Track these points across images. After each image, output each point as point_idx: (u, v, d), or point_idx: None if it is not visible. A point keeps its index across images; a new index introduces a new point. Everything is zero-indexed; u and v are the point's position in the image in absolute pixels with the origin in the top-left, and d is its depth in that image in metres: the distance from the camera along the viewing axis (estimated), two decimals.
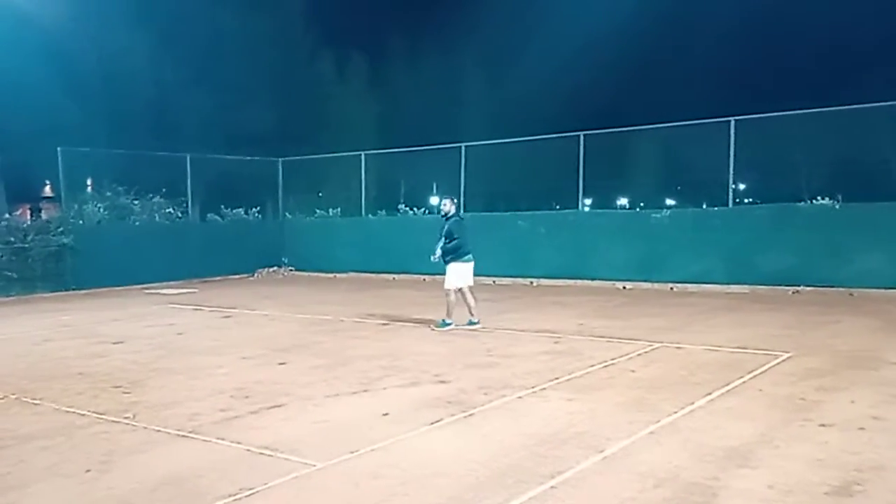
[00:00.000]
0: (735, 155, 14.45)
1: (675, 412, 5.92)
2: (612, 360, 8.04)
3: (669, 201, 21.46)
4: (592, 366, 7.74)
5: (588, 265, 15.93)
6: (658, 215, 15.97)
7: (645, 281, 15.19)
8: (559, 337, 9.55)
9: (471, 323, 10.33)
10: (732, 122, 14.48)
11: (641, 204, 21.68)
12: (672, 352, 8.51)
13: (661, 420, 5.71)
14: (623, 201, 24.34)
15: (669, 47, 33.09)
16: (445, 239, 10.33)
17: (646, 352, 8.50)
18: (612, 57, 31.11)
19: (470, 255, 10.40)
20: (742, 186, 17.87)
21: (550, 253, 16.46)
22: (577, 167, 16.14)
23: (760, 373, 7.31)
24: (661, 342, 9.02)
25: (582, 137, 16.02)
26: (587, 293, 14.62)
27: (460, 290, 10.35)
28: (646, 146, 18.44)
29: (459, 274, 10.32)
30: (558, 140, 16.51)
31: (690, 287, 14.62)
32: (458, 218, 10.58)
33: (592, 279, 15.76)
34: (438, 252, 10.38)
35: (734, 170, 14.62)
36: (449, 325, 10.24)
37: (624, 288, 15.22)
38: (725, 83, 31.07)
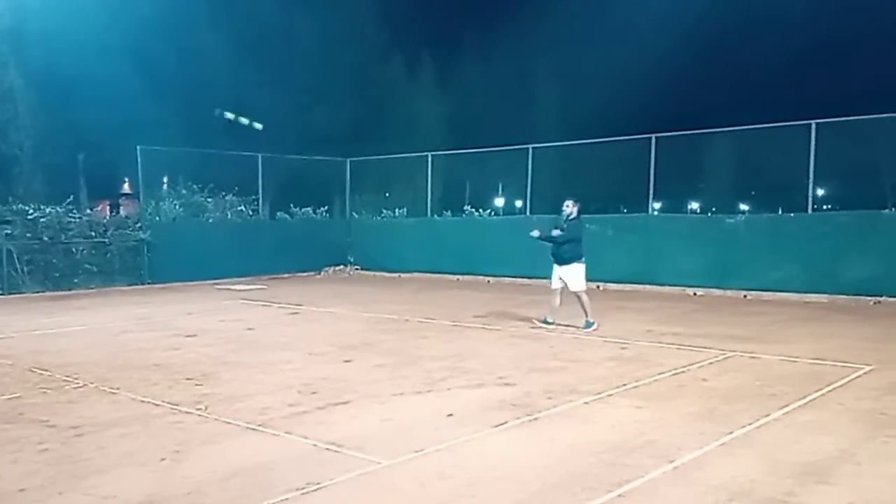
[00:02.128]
0: (815, 159, 13.91)
1: (750, 424, 5.72)
2: (683, 368, 7.83)
3: (743, 206, 20.88)
4: (662, 373, 7.55)
5: (657, 270, 15.58)
6: (732, 220, 15.50)
7: (717, 288, 14.76)
8: (627, 343, 9.36)
9: (547, 322, 10.62)
10: (814, 125, 13.93)
11: (714, 208, 21.12)
12: (746, 361, 8.23)
13: (735, 431, 5.53)
14: (695, 205, 23.79)
15: (746, 47, 32.21)
16: (566, 238, 10.40)
17: (718, 361, 8.25)
18: (685, 57, 30.47)
19: (584, 258, 10.51)
20: (821, 192, 17.20)
21: (618, 257, 16.14)
22: (647, 170, 15.80)
23: (840, 386, 7.01)
24: (735, 351, 8.74)
25: (654, 140, 15.68)
26: (656, 299, 14.31)
27: (559, 290, 10.51)
28: (720, 149, 17.97)
29: (582, 275, 10.38)
30: (628, 142, 16.21)
31: (765, 295, 14.13)
32: (578, 221, 10.64)
33: (661, 285, 15.41)
34: (537, 233, 10.56)
35: (814, 174, 14.07)
36: (592, 325, 10.28)
37: (695, 294, 14.84)
38: (805, 85, 30.04)
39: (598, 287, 16.13)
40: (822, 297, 13.59)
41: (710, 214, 18.67)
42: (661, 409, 6.16)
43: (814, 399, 6.50)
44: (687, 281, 15.14)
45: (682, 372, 7.64)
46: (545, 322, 10.64)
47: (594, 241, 16.53)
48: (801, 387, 6.91)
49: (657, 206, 17.09)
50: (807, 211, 14.38)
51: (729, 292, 14.59)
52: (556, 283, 10.54)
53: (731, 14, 30.76)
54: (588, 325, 10.27)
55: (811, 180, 14.14)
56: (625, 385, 7.02)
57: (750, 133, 15.25)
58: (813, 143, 13.87)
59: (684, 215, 19.17)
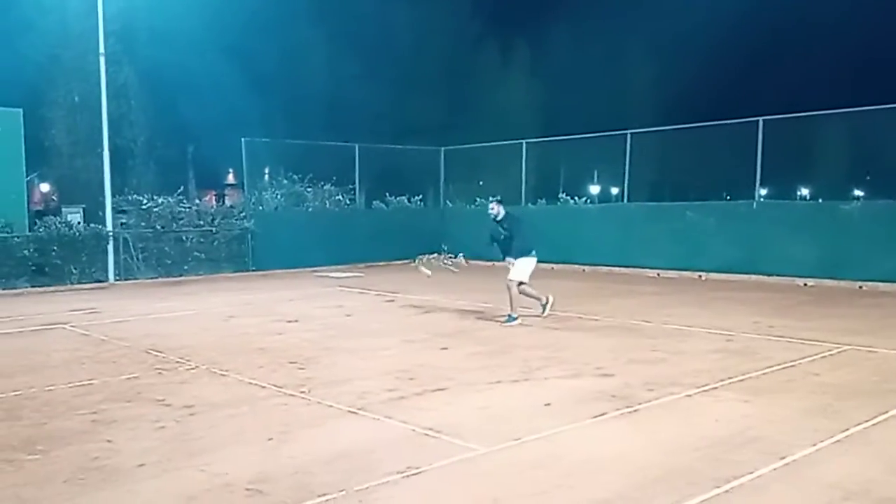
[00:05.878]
0: None
1: (867, 421, 5.41)
2: (793, 361, 7.47)
3: (858, 192, 19.70)
4: (770, 367, 7.23)
5: (763, 259, 14.89)
6: (846, 207, 14.63)
7: (829, 278, 13.98)
8: (732, 335, 9.01)
9: (544, 307, 10.45)
10: None
11: (825, 195, 20.04)
12: (862, 356, 7.78)
13: (850, 429, 5.23)
14: (804, 192, 22.66)
15: (860, 26, 30.33)
16: (506, 238, 10.24)
17: (831, 355, 7.83)
18: (792, 36, 28.94)
19: (534, 251, 10.33)
20: None
21: (721, 246, 15.54)
22: (754, 155, 15.09)
23: None
24: (850, 345, 8.27)
25: (761, 123, 14.96)
26: (762, 289, 13.71)
27: (521, 284, 10.22)
28: (832, 132, 16.97)
29: (524, 269, 10.21)
30: (732, 126, 15.54)
31: (882, 286, 13.27)
32: (513, 217, 10.49)
33: (768, 275, 14.72)
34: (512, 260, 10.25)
35: None
36: (515, 319, 9.97)
37: (805, 285, 14.12)
38: None
39: (699, 277, 15.65)
40: None
41: (821, 201, 17.74)
42: (769, 404, 5.90)
43: None
44: (796, 271, 14.41)
45: (792, 366, 7.30)
46: (544, 306, 10.46)
47: (695, 229, 16.11)
48: None
49: (763, 192, 16.31)
50: None
51: (842, 283, 13.79)
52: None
53: None
54: (510, 318, 10.00)
55: None
56: (730, 378, 6.76)
57: (865, 114, 14.32)
58: None
59: (793, 202, 18.29)
